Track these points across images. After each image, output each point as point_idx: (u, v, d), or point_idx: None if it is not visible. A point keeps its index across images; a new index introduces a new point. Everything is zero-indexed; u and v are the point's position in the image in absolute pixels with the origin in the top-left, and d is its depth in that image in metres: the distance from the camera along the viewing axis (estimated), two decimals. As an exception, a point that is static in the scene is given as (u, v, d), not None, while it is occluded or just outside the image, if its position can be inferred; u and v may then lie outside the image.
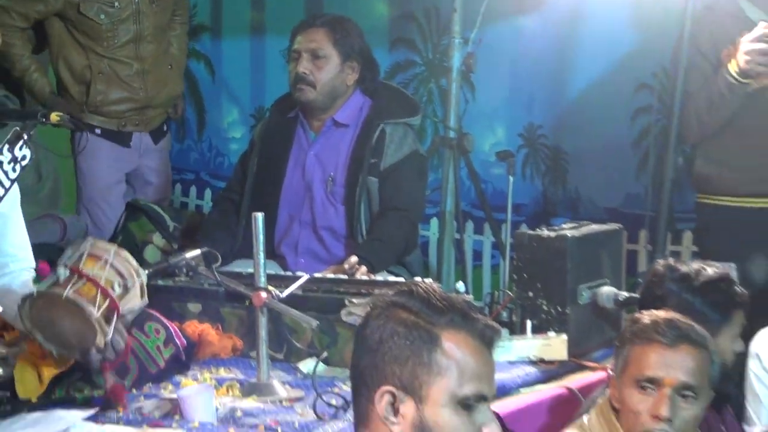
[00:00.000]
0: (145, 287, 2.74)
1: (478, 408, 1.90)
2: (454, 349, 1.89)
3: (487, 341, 1.94)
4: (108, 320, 2.62)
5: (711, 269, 2.95)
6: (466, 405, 1.88)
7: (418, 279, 3.22)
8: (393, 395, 1.88)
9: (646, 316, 2.60)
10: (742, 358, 3.09)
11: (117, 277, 2.67)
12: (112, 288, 2.64)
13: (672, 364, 2.50)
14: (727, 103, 3.90)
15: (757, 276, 3.85)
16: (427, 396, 1.87)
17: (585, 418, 2.62)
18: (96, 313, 2.58)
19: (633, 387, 2.53)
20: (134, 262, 2.72)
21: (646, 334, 2.54)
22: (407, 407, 1.88)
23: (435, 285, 2.02)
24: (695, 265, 2.98)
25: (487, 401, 1.92)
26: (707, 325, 2.72)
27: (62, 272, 2.64)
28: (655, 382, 2.51)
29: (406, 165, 3.91)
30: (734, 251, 3.57)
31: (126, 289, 2.67)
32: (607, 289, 3.43)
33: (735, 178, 3.97)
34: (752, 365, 3.49)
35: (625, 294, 3.40)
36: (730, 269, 3.00)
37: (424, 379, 1.88)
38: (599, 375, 3.21)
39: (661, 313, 2.59)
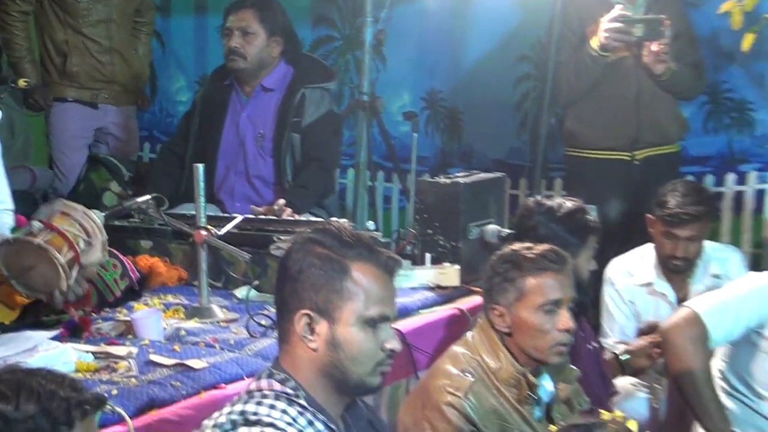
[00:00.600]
0: (107, 244, 2.70)
1: (381, 327, 1.90)
2: (361, 277, 1.88)
3: (389, 270, 1.93)
4: (71, 268, 2.58)
5: (569, 202, 2.98)
6: (371, 324, 1.88)
7: (333, 219, 3.21)
8: (310, 317, 1.87)
9: (527, 251, 2.52)
10: (595, 275, 3.13)
11: (83, 233, 2.63)
12: (77, 243, 2.60)
13: (565, 285, 2.49)
14: (590, 72, 3.93)
15: (612, 214, 3.92)
16: (339, 317, 1.87)
17: (469, 334, 2.62)
18: (62, 259, 2.54)
19: (536, 312, 2.47)
20: (99, 222, 2.69)
21: (538, 264, 2.49)
22: (322, 327, 1.87)
23: (346, 224, 2.01)
24: (557, 199, 3.02)
25: (389, 321, 1.92)
26: (568, 248, 2.73)
27: (36, 225, 2.60)
28: (558, 303, 2.47)
29: (324, 123, 3.87)
30: (595, 194, 3.61)
31: (90, 245, 2.64)
32: (492, 227, 3.45)
33: (596, 134, 4.02)
34: (607, 289, 3.55)
35: (506, 231, 3.42)
36: (591, 209, 3.03)
37: (336, 303, 1.87)
38: (485, 298, 3.23)
39: (533, 246, 2.55)
